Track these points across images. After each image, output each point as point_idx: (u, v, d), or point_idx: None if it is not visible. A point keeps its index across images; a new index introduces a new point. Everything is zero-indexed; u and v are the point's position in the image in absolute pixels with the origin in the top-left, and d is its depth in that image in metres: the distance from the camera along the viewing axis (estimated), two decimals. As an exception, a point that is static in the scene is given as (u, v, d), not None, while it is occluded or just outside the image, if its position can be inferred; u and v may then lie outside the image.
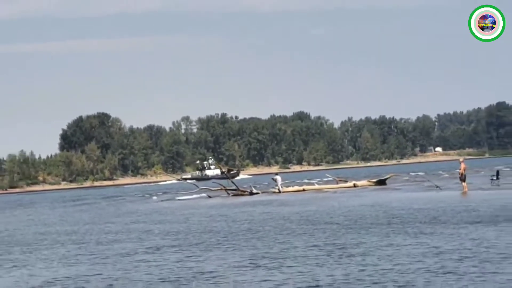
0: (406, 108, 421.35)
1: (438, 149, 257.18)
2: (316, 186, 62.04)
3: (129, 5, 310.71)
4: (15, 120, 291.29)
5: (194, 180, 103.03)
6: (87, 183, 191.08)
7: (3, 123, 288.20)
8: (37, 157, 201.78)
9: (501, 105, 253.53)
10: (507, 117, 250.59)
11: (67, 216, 47.82)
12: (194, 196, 60.84)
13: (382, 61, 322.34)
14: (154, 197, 66.73)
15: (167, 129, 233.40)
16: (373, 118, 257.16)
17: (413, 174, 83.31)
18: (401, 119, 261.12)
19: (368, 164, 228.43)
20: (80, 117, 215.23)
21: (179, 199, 59.32)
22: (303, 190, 59.58)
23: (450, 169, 77.65)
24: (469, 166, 52.82)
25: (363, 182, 61.20)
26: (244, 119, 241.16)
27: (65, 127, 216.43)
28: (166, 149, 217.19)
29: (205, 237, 25.60)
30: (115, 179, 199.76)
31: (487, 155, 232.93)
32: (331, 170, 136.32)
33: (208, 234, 26.49)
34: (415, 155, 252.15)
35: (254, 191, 59.41)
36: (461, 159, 46.40)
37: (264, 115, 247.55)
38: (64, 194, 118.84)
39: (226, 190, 60.98)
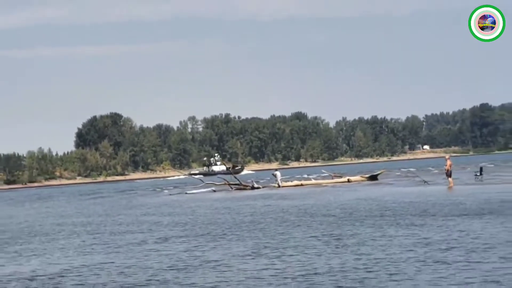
0: (396, 109, 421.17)
1: (426, 147, 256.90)
2: (313, 181, 61.95)
3: (141, 13, 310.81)
4: (34, 120, 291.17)
5: (201, 175, 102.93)
6: (101, 178, 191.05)
7: (23, 123, 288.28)
8: (54, 154, 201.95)
9: (484, 107, 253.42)
10: (490, 117, 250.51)
11: (82, 209, 47.78)
12: (202, 190, 60.78)
13: (374, 66, 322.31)
14: (166, 191, 66.51)
15: (175, 128, 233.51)
16: (365, 118, 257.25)
17: (404, 170, 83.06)
18: (391, 119, 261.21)
19: (361, 160, 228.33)
20: (94, 117, 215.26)
21: (188, 193, 59.28)
22: (301, 185, 59.50)
23: (438, 166, 77.49)
24: (454, 163, 52.77)
25: (357, 178, 61.14)
26: (246, 119, 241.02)
27: (80, 126, 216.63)
28: (173, 147, 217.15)
29: (211, 228, 25.55)
30: (126, 174, 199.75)
31: (471, 153, 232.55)
32: (327, 166, 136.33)
33: (213, 226, 26.44)
34: (405, 152, 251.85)
35: (256, 185, 59.34)
36: (447, 156, 46.33)
37: (265, 115, 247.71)
38: (79, 188, 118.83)
39: (229, 184, 60.91)
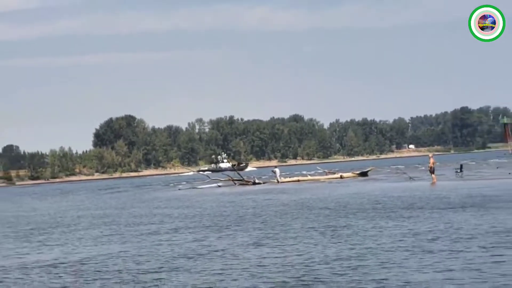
0: (384, 112, 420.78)
1: (411, 146, 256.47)
2: (309, 177, 61.86)
3: (153, 24, 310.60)
4: (56, 121, 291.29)
5: (209, 172, 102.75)
6: (116, 174, 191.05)
7: (46, 124, 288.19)
8: (74, 152, 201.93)
9: (464, 110, 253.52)
10: (469, 119, 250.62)
11: (99, 202, 47.70)
12: (208, 185, 60.68)
13: (365, 72, 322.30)
14: (180, 186, 66.34)
15: (184, 129, 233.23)
16: (356, 120, 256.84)
17: (393, 167, 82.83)
18: (380, 120, 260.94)
19: (353, 158, 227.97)
20: (111, 119, 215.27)
21: (198, 188, 59.21)
22: (298, 180, 59.43)
23: (423, 163, 77.37)
24: (437, 160, 52.64)
25: (349, 174, 61.05)
26: (248, 121, 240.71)
27: (97, 127, 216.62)
28: (182, 146, 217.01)
29: (217, 220, 25.46)
30: (139, 171, 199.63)
31: (452, 152, 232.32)
32: (322, 164, 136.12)
33: (219, 218, 26.35)
34: (392, 151, 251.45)
35: (257, 181, 59.22)
36: (430, 155, 46.28)
37: (265, 117, 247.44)
38: (97, 184, 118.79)
39: (233, 180, 60.81)
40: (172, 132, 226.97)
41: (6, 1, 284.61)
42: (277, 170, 61.12)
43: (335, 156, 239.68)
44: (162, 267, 14.79)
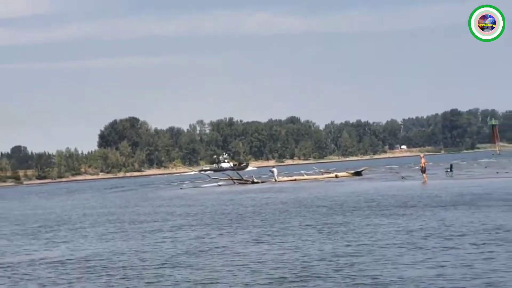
0: (377, 114, 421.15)
1: (403, 147, 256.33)
2: (305, 177, 61.79)
3: (157, 30, 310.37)
4: (63, 123, 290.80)
5: (211, 172, 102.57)
6: (120, 174, 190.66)
7: (53, 125, 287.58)
8: (80, 152, 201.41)
9: (454, 112, 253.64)
10: (459, 121, 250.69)
11: (104, 201, 47.63)
12: (209, 184, 60.59)
13: (359, 76, 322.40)
14: (184, 185, 66.17)
15: (185, 130, 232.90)
16: (351, 121, 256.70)
17: (388, 167, 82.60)
18: (373, 122, 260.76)
19: (347, 159, 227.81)
20: (115, 121, 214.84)
21: (201, 187, 59.14)
22: (295, 180, 59.35)
23: (416, 163, 77.19)
24: (428, 161, 52.66)
25: (343, 173, 61.00)
26: (247, 122, 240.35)
27: (102, 129, 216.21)
28: (184, 146, 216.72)
29: (218, 218, 25.42)
30: (143, 171, 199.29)
31: (442, 152, 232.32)
32: (317, 164, 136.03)
33: (220, 215, 26.30)
34: (385, 151, 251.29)
35: (255, 180, 59.17)
36: (421, 155, 46.22)
37: (263, 119, 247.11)
38: (102, 183, 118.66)
39: (232, 179, 60.73)
40: (174, 133, 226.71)
41: (17, 7, 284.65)
42: (275, 169, 61.09)
43: (331, 156, 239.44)
44: (165, 263, 14.73)
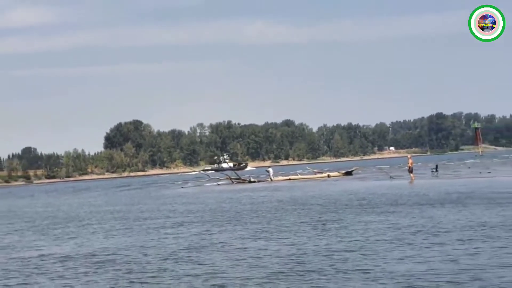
0: (367, 117, 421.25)
1: (392, 148, 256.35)
2: (299, 176, 61.67)
3: (158, 39, 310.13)
4: (71, 125, 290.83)
5: (213, 171, 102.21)
6: (125, 174, 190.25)
7: (61, 128, 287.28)
8: (86, 153, 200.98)
9: (439, 115, 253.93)
10: (444, 124, 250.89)
11: (110, 199, 47.50)
12: (211, 183, 60.45)
13: (350, 81, 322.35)
14: (189, 184, 65.96)
15: (186, 133, 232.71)
16: (342, 124, 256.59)
17: (378, 167, 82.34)
18: (363, 125, 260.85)
19: (339, 159, 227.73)
20: (120, 123, 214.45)
21: (201, 186, 59.02)
22: (290, 179, 59.23)
23: (405, 164, 77.20)
24: (415, 161, 52.66)
25: (335, 173, 60.89)
26: (245, 125, 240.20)
27: (108, 131, 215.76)
28: (185, 148, 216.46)
29: (217, 215, 25.32)
30: (146, 171, 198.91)
31: (428, 153, 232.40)
32: (311, 164, 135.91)
33: (219, 213, 26.20)
34: (374, 153, 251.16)
35: (252, 179, 59.05)
36: (409, 156, 46.29)
37: (260, 122, 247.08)
38: (107, 182, 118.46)
39: (231, 179, 60.57)
40: (175, 135, 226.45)
41: (28, 17, 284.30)
42: (270, 169, 60.97)
43: (323, 157, 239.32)
44: (168, 258, 14.66)
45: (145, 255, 15.45)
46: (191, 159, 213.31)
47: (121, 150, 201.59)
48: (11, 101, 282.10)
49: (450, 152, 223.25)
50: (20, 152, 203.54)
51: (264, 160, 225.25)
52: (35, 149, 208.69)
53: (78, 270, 13.93)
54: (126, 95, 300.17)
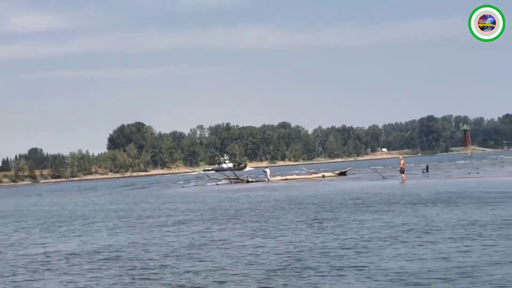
0: (360, 119, 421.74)
1: (384, 149, 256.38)
2: (295, 176, 61.58)
3: (160, 44, 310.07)
4: (75, 127, 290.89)
5: (213, 172, 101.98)
6: (128, 174, 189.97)
7: (66, 129, 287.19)
8: (91, 154, 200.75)
9: (430, 118, 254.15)
10: (434, 126, 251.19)
11: (114, 198, 47.39)
12: (211, 183, 60.35)
13: (344, 85, 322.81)
14: (191, 183, 65.80)
15: (186, 134, 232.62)
16: (337, 126, 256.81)
17: (373, 167, 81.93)
18: (357, 127, 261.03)
19: (333, 160, 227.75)
20: (123, 125, 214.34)
21: (201, 185, 58.91)
22: (286, 179, 59.16)
23: (398, 164, 77.16)
24: (407, 162, 52.60)
25: (330, 174, 60.81)
26: (243, 127, 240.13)
27: (111, 132, 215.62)
28: (185, 149, 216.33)
29: (217, 213, 25.26)
30: (148, 171, 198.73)
31: (419, 154, 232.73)
32: (306, 165, 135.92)
33: (219, 212, 26.13)
34: (367, 154, 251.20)
35: (250, 179, 58.96)
36: (400, 157, 46.23)
37: (257, 124, 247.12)
38: (110, 182, 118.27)
39: (229, 179, 60.47)
40: (176, 137, 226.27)
41: (33, 23, 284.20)
42: (267, 170, 60.90)
43: (318, 158, 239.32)
44: (169, 255, 14.60)
45: (148, 252, 15.39)
46: (191, 160, 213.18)
47: (124, 151, 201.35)
48: (19, 104, 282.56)
49: (440, 154, 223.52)
50: (26, 153, 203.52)
51: (261, 160, 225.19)
52: (41, 150, 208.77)
53: (83, 267, 13.87)
54: (128, 98, 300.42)
